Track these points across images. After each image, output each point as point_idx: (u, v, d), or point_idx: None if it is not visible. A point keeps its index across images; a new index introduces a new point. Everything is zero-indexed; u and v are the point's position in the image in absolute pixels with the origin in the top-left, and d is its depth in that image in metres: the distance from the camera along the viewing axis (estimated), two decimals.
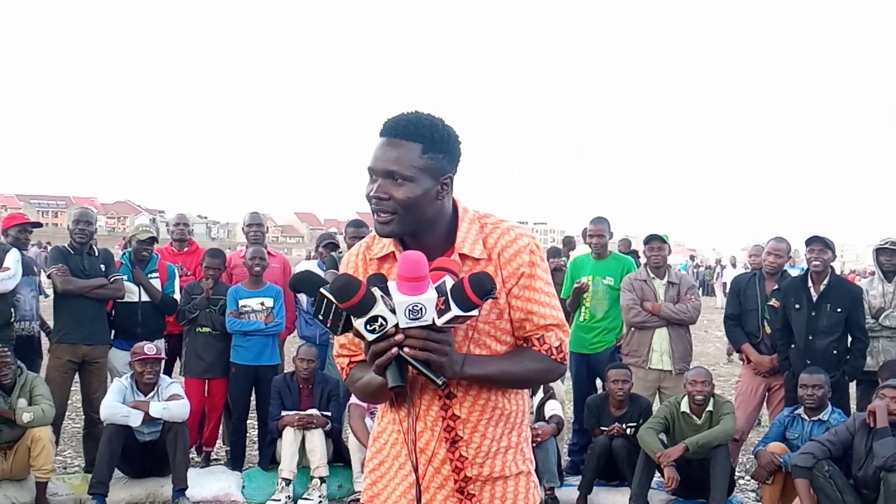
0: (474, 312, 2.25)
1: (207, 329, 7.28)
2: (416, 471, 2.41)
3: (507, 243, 2.41)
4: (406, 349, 2.20)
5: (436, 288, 2.21)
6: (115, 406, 6.43)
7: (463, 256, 2.39)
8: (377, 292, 2.21)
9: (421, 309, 2.18)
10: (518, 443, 2.50)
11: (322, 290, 2.24)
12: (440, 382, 2.24)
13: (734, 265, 27.96)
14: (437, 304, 2.20)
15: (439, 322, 2.21)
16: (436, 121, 2.38)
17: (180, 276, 7.74)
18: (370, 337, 2.21)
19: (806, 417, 6.47)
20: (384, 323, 2.19)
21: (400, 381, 2.24)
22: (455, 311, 2.20)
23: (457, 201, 2.47)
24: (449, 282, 2.23)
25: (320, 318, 2.26)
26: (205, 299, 7.25)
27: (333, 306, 2.22)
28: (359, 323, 2.20)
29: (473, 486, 2.44)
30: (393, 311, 2.19)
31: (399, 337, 2.20)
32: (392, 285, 2.23)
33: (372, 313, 2.18)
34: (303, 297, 7.87)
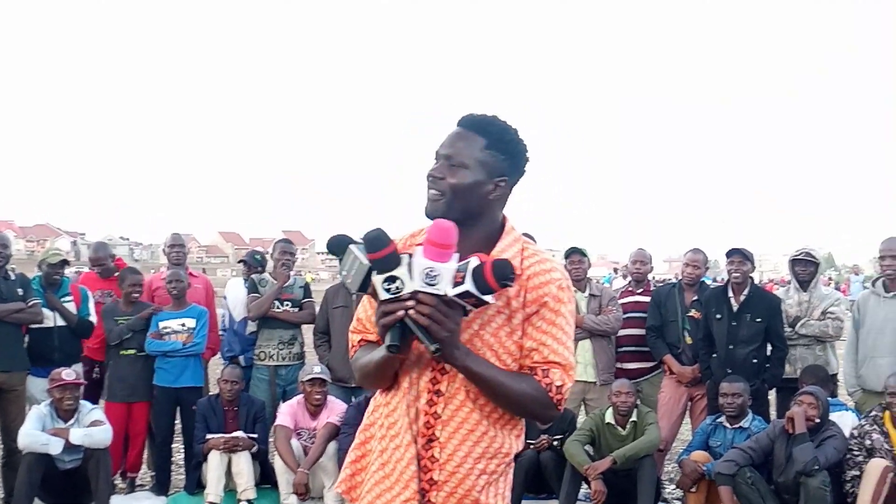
0: (488, 298, 2.26)
1: (133, 351, 7.13)
2: (416, 445, 2.41)
3: (540, 270, 2.42)
4: (412, 312, 2.22)
5: (459, 264, 2.24)
6: (34, 434, 6.27)
7: None
8: (405, 257, 2.26)
9: (437, 276, 2.21)
10: (495, 473, 2.45)
11: (351, 245, 2.30)
12: (432, 348, 2.24)
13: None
14: (454, 278, 2.23)
15: (450, 293, 2.22)
16: (510, 127, 2.48)
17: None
18: (384, 296, 2.24)
19: (728, 425, 6.60)
20: (401, 286, 2.22)
21: (396, 342, 2.27)
22: (468, 285, 2.21)
23: (506, 218, 2.53)
24: (475, 263, 2.24)
25: (343, 272, 2.32)
26: (141, 320, 7.12)
27: (357, 262, 2.27)
28: (377, 279, 2.23)
29: (436, 496, 2.40)
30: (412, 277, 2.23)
31: (410, 302, 2.22)
32: (418, 249, 2.27)
33: (393, 273, 2.22)
34: (225, 316, 7.81)
